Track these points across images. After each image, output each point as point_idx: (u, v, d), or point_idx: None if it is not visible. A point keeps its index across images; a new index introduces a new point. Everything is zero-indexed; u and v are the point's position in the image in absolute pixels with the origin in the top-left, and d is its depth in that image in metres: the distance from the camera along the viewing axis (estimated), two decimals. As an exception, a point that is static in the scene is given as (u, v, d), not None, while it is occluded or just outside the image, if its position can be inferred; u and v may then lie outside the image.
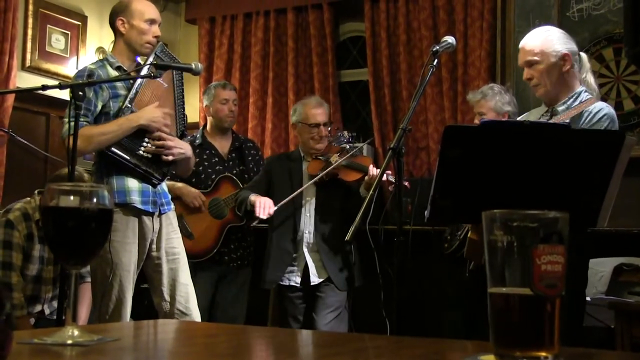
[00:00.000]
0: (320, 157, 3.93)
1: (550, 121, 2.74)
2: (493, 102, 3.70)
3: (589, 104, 2.69)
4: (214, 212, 4.19)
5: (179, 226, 3.97)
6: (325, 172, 3.80)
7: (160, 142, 3.08)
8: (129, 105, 3.03)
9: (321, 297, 3.81)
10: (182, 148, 3.14)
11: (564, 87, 2.77)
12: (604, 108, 2.66)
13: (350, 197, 3.81)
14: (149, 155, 3.06)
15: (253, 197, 3.83)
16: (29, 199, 3.56)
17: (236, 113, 4.43)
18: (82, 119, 2.92)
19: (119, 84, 3.07)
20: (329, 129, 3.99)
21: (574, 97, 2.75)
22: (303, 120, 3.96)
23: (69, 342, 1.06)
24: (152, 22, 3.14)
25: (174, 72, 3.20)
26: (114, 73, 3.08)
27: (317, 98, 4.15)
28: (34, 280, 3.48)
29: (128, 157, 3.02)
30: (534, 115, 2.96)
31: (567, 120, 2.67)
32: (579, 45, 2.93)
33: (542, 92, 2.81)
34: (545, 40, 2.79)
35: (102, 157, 3.04)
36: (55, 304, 3.52)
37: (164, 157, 3.08)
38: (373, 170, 3.63)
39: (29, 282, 3.46)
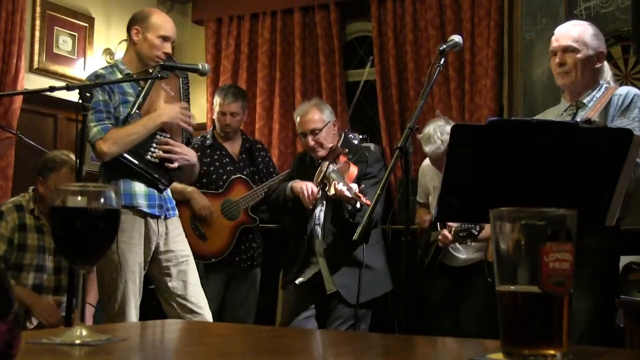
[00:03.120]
0: (321, 164, 3.80)
1: (578, 115, 2.77)
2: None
3: (614, 89, 2.76)
4: (227, 214, 4.19)
5: (192, 227, 3.97)
6: (321, 182, 3.70)
7: (168, 147, 3.11)
8: (138, 112, 3.07)
9: (331, 308, 3.71)
10: (187, 154, 3.18)
11: (590, 81, 2.83)
12: (632, 89, 2.76)
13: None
14: (157, 161, 3.10)
15: (296, 186, 3.73)
16: (23, 194, 3.63)
17: (237, 123, 4.33)
18: (107, 122, 3.01)
19: (129, 90, 3.11)
20: (318, 136, 3.75)
21: (597, 88, 2.81)
22: (297, 129, 3.92)
23: (77, 341, 1.06)
24: (165, 39, 3.16)
25: (181, 80, 3.23)
26: None
27: (306, 105, 3.92)
28: (35, 270, 3.50)
29: (137, 162, 3.05)
30: (552, 113, 2.97)
31: (599, 111, 2.71)
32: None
33: (568, 81, 2.83)
34: (587, 32, 2.85)
35: (109, 160, 3.06)
36: (60, 297, 3.55)
37: (168, 165, 3.11)
38: (336, 187, 3.50)
39: (30, 271, 3.49)
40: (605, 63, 2.92)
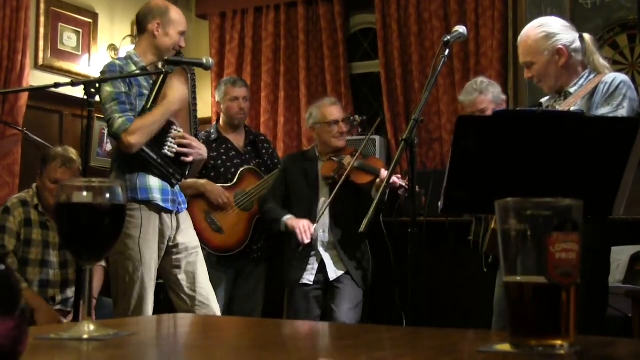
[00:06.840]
0: (334, 159, 3.95)
1: (564, 102, 2.71)
2: (490, 95, 3.68)
3: (601, 77, 2.67)
4: (241, 205, 4.20)
5: (207, 222, 3.99)
6: (337, 173, 3.84)
7: (186, 142, 3.13)
8: (155, 106, 3.08)
9: (340, 289, 3.82)
10: (200, 149, 3.21)
11: (567, 76, 2.75)
12: (619, 76, 2.65)
13: (362, 199, 3.78)
14: (172, 155, 3.10)
15: (290, 223, 3.86)
16: (27, 190, 3.67)
17: (247, 109, 4.42)
18: (130, 114, 3.01)
19: (144, 83, 3.12)
20: (348, 125, 4.06)
21: (583, 77, 2.73)
22: (321, 120, 4.00)
23: (85, 336, 1.06)
24: (182, 34, 3.24)
25: (189, 76, 3.25)
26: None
27: (329, 98, 4.23)
28: (41, 265, 3.53)
29: (154, 156, 3.06)
30: (543, 104, 2.95)
31: (585, 95, 2.65)
32: (592, 33, 2.89)
33: (546, 88, 2.82)
34: (534, 39, 2.76)
35: (122, 154, 3.06)
36: (67, 292, 3.56)
37: (184, 158, 3.12)
38: (384, 174, 3.66)
39: (36, 266, 3.51)
40: (595, 55, 2.78)
